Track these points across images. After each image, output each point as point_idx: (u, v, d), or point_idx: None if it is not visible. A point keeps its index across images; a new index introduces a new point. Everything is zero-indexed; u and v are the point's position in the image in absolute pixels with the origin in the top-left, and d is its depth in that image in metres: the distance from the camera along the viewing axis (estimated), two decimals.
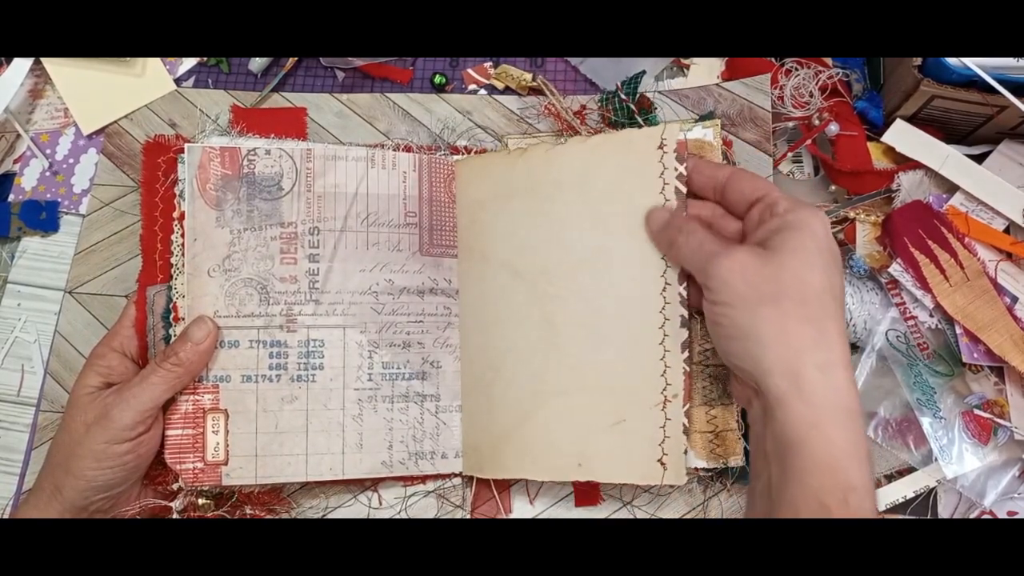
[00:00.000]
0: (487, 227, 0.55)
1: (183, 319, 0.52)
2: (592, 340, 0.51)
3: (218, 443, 0.52)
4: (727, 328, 0.43)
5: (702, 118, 0.57)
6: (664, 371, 0.49)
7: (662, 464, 0.49)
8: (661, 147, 0.50)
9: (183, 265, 0.53)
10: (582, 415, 0.51)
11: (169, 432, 0.51)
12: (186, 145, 0.54)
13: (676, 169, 0.50)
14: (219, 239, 0.53)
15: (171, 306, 0.53)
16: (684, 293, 0.49)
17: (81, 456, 0.47)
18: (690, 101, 0.60)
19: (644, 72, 0.60)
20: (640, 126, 0.57)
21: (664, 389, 0.49)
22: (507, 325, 0.54)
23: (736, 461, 0.51)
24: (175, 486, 0.51)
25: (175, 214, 0.54)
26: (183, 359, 0.50)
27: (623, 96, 0.59)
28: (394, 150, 0.57)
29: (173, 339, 0.52)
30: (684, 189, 0.50)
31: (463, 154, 0.59)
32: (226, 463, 0.52)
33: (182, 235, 0.53)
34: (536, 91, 0.62)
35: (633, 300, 0.50)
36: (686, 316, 0.49)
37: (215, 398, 0.52)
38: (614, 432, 0.50)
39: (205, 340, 0.51)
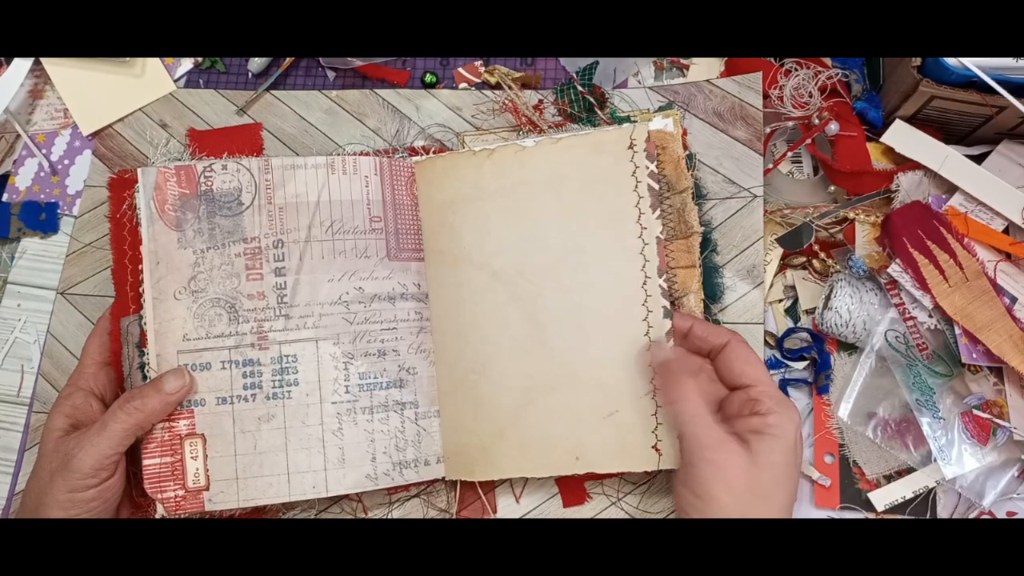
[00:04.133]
0: (457, 229, 0.55)
1: (148, 345, 0.52)
2: (578, 336, 0.52)
3: (198, 468, 0.51)
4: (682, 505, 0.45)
5: (660, 109, 0.59)
6: (652, 362, 0.50)
7: (657, 450, 0.50)
8: (631, 147, 0.52)
9: (145, 290, 0.52)
10: (574, 409, 0.51)
11: (146, 462, 0.50)
12: (140, 169, 0.53)
13: (647, 167, 0.52)
14: (182, 260, 0.52)
15: (141, 333, 0.52)
16: (665, 285, 0.51)
17: (48, 505, 0.47)
18: (680, 97, 0.60)
19: (598, 62, 0.61)
20: (600, 118, 0.59)
21: (653, 379, 0.50)
22: (487, 327, 0.54)
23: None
24: (157, 516, 0.50)
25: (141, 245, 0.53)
26: (147, 405, 0.49)
27: (580, 87, 0.60)
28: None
29: (147, 367, 0.51)
30: (656, 186, 0.52)
31: (421, 155, 0.59)
32: (207, 488, 0.51)
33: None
34: (493, 86, 0.63)
35: (615, 295, 0.51)
36: (668, 307, 0.50)
37: (191, 423, 0.51)
38: (607, 424, 0.50)
39: (177, 393, 0.50)
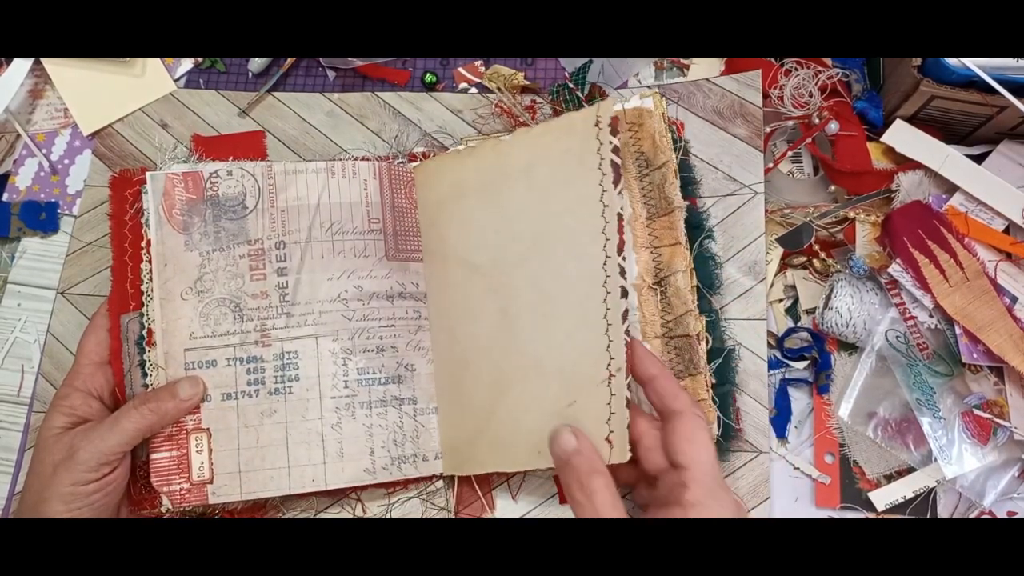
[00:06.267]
0: (445, 228, 0.56)
1: (156, 343, 0.53)
2: (543, 325, 0.51)
3: (203, 462, 0.52)
4: None
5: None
6: (608, 345, 0.48)
7: (609, 442, 0.46)
8: (597, 124, 0.50)
9: (152, 291, 0.53)
10: (539, 401, 0.50)
11: (154, 455, 0.51)
12: (148, 174, 0.54)
13: (611, 143, 0.49)
14: (189, 262, 0.54)
15: (144, 332, 0.53)
16: (623, 264, 0.48)
17: (48, 499, 0.47)
18: (679, 96, 0.60)
19: (591, 61, 0.61)
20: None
21: (608, 364, 0.48)
22: (469, 321, 0.54)
23: (711, 430, 0.51)
24: (163, 508, 0.51)
25: (143, 243, 0.54)
26: (161, 409, 0.50)
27: (572, 86, 0.60)
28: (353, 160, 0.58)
29: (148, 364, 0.52)
30: (619, 161, 0.50)
31: (420, 160, 0.59)
32: (211, 481, 0.52)
33: (150, 262, 0.54)
34: (486, 89, 0.63)
35: (578, 279, 0.50)
36: (626, 287, 0.48)
37: (197, 418, 0.52)
38: (567, 415, 0.48)
39: (191, 400, 0.51)
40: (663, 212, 0.54)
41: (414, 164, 0.59)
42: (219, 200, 0.55)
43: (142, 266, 0.54)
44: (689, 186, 0.56)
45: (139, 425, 0.49)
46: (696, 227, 0.55)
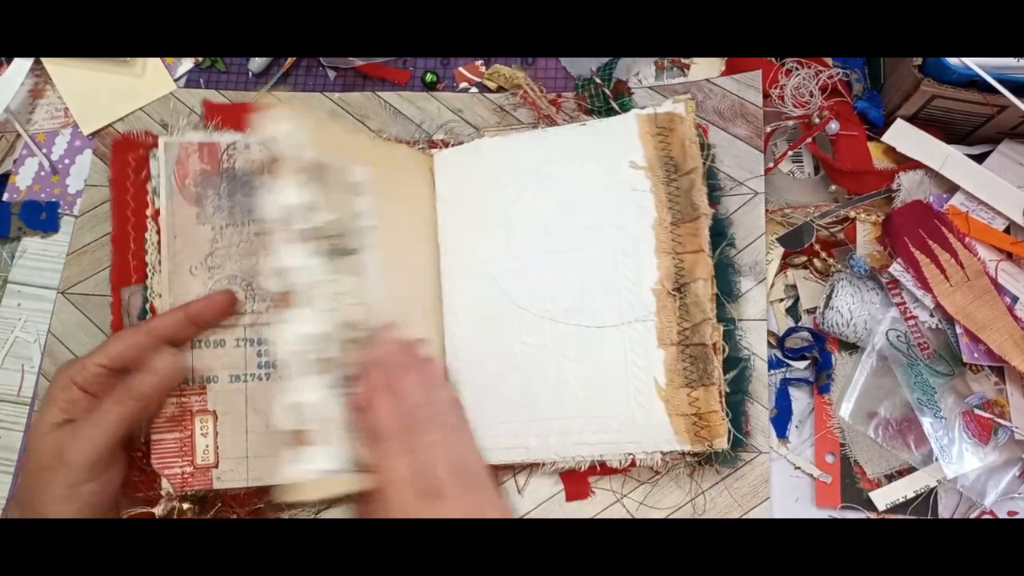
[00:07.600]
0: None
1: None
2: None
3: (207, 445, 0.50)
4: None
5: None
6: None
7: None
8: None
9: (159, 263, 0.51)
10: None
11: (155, 436, 0.50)
12: (161, 140, 0.52)
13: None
14: (200, 236, 0.52)
15: (147, 306, 0.52)
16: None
17: (45, 502, 0.45)
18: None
19: (617, 59, 0.61)
20: (616, 112, 0.58)
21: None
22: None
23: (720, 444, 0.50)
24: (163, 492, 0.50)
25: (148, 212, 0.52)
26: (136, 390, 0.47)
27: (598, 81, 0.59)
28: None
29: None
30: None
31: (440, 147, 0.59)
32: (216, 466, 0.50)
33: (157, 232, 0.51)
34: (494, 90, 0.64)
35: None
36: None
37: (203, 399, 0.51)
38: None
39: (167, 373, 0.48)
40: (688, 218, 0.53)
41: (434, 151, 0.58)
42: (235, 173, 0.53)
43: (146, 236, 0.52)
44: (714, 192, 0.56)
45: (121, 416, 0.46)
46: (719, 234, 0.54)
